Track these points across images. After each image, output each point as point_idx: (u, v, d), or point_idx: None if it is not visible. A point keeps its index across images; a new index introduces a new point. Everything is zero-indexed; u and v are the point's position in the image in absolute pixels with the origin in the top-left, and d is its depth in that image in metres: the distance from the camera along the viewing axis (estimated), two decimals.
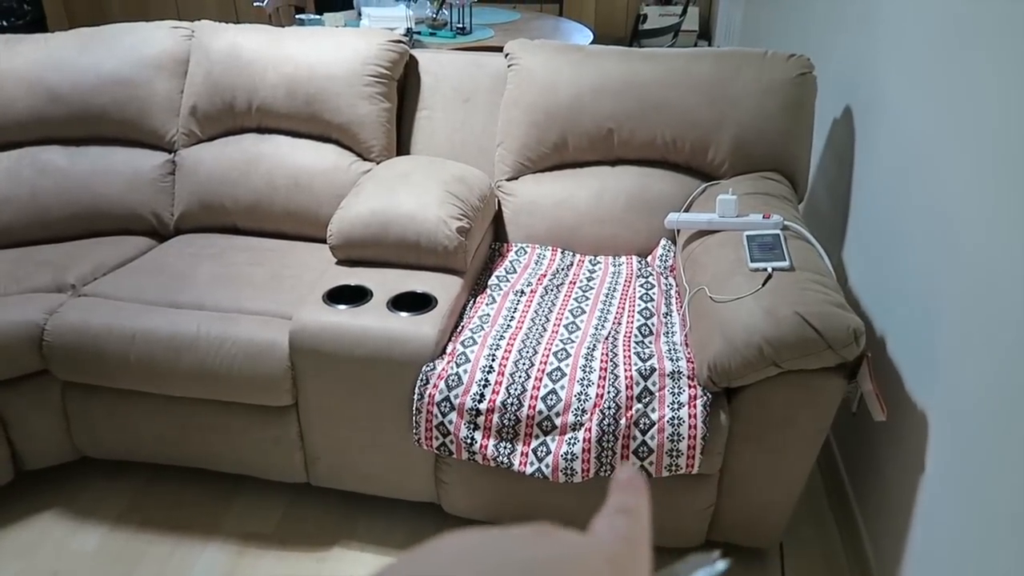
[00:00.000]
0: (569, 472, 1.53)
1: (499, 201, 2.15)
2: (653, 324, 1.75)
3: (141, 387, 1.74)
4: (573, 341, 1.70)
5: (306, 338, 1.65)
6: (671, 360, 1.60)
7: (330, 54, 2.15)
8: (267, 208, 2.14)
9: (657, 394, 1.55)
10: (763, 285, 1.53)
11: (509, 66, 2.20)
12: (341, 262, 1.90)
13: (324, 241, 2.12)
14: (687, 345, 1.65)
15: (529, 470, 1.57)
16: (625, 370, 1.57)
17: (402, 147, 2.25)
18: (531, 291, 1.90)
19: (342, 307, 1.70)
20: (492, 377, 1.59)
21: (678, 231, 1.99)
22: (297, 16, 3.42)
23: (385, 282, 1.79)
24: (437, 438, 1.62)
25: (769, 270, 1.57)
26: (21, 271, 1.92)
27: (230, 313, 1.76)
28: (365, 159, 2.17)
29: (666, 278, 1.94)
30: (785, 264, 1.58)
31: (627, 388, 1.54)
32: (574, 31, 3.49)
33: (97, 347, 1.71)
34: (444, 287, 1.79)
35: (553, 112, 2.09)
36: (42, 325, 1.74)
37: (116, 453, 1.88)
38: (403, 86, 2.26)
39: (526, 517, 1.71)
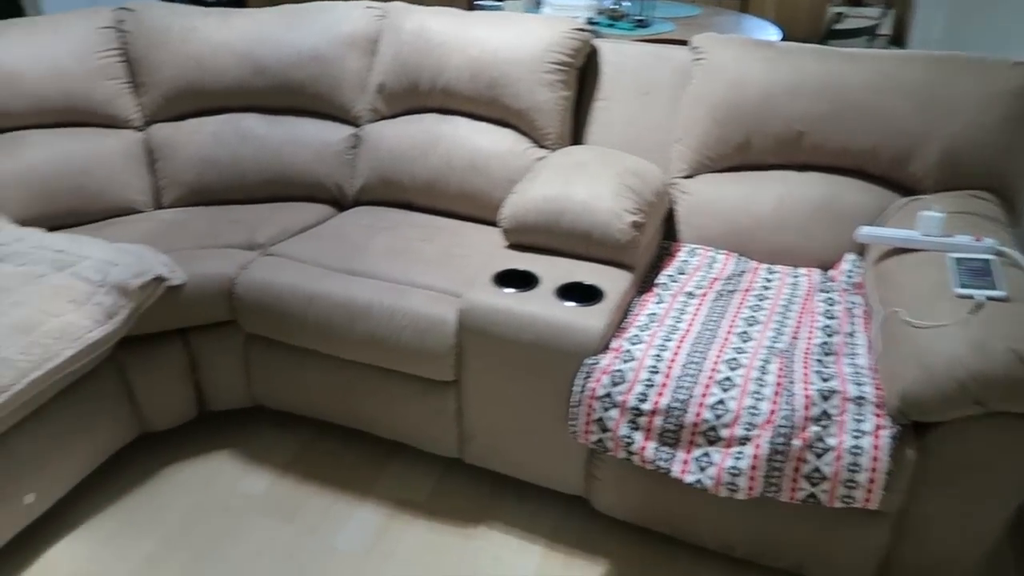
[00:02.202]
0: (732, 487, 1.47)
1: (672, 198, 2.09)
2: (835, 343, 1.64)
3: (315, 346, 1.83)
4: (746, 351, 1.62)
5: (474, 318, 1.68)
6: (855, 384, 1.49)
7: (515, 39, 2.17)
8: (442, 187, 2.19)
9: (836, 418, 1.44)
10: (972, 314, 1.39)
11: (695, 60, 2.13)
12: (511, 246, 1.91)
13: (494, 224, 2.15)
14: (875, 370, 1.53)
15: (689, 479, 1.51)
16: (803, 388, 1.48)
17: (577, 136, 2.23)
18: (702, 294, 1.83)
19: (511, 291, 1.71)
20: (657, 378, 1.55)
21: (868, 246, 1.85)
22: (476, 2, 3.47)
23: (553, 270, 1.78)
24: (594, 433, 1.60)
25: (980, 298, 1.42)
26: (218, 228, 2.08)
27: (402, 285, 1.82)
28: (540, 145, 2.17)
29: (851, 295, 1.81)
30: (999, 293, 1.43)
31: (804, 408, 1.45)
32: (758, 28, 3.34)
33: (280, 304, 1.81)
34: (612, 281, 1.76)
35: (739, 110, 2.00)
36: (233, 279, 1.87)
37: (287, 405, 2.00)
38: (583, 75, 2.24)
39: (679, 525, 1.66)
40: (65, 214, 2.13)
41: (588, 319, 1.63)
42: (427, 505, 1.88)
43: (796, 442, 1.43)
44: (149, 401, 1.91)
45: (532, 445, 1.74)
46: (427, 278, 1.84)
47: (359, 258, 1.91)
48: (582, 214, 1.80)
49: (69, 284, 1.71)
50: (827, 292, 1.82)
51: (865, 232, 1.73)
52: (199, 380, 1.97)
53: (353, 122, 2.33)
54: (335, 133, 2.32)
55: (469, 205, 2.18)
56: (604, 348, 1.63)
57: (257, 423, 2.14)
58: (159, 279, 1.78)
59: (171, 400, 1.94)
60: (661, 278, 1.89)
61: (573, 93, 2.18)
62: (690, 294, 1.83)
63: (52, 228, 2.08)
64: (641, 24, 3.24)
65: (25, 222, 2.05)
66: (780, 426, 1.44)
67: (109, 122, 2.25)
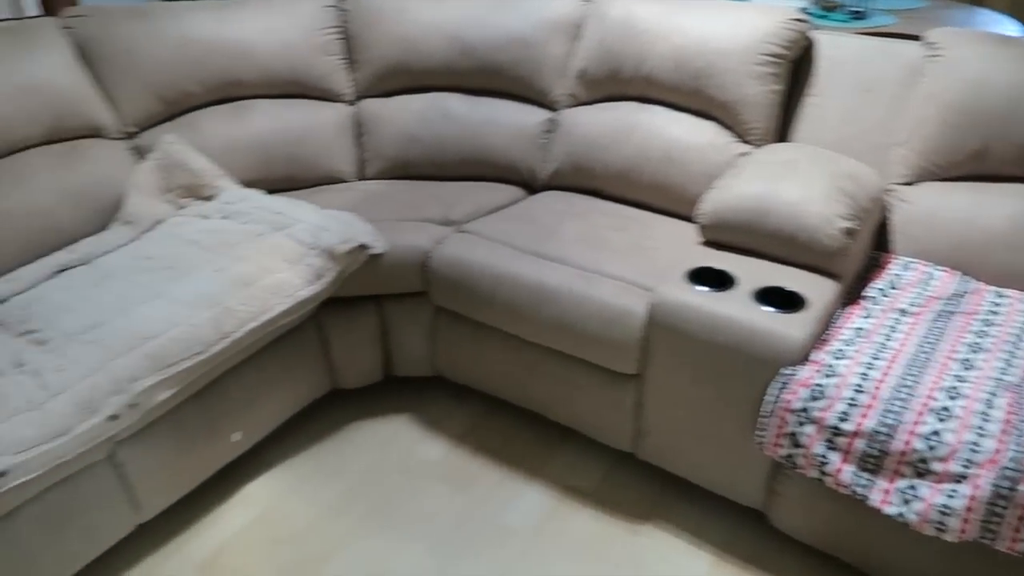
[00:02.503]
0: (941, 527, 1.33)
1: (887, 206, 1.93)
2: None
3: (500, 325, 1.86)
4: (968, 381, 1.46)
5: (665, 313, 1.63)
6: None
7: (726, 28, 2.07)
8: (635, 177, 2.15)
9: None
10: None
11: (928, 56, 1.94)
12: (706, 243, 1.84)
13: (687, 219, 2.08)
14: None
15: (890, 511, 1.39)
16: None
17: (784, 133, 2.11)
18: (917, 313, 1.67)
19: (704, 289, 1.64)
20: (862, 398, 1.44)
21: None
22: None
23: (751, 272, 1.70)
24: (784, 447, 1.51)
25: None
26: (417, 202, 2.16)
27: (591, 273, 1.80)
28: (743, 140, 2.08)
29: None
30: None
31: None
32: (994, 22, 3.00)
33: (470, 281, 1.86)
34: (816, 289, 1.65)
35: (979, 114, 1.80)
36: (428, 252, 1.94)
37: (466, 379, 2.05)
38: (795, 68, 2.11)
39: (868, 557, 1.54)
40: (281, 179, 2.30)
41: (788, 327, 1.54)
42: (595, 494, 1.87)
43: (1022, 487, 1.28)
44: (343, 360, 2.03)
45: (711, 450, 1.68)
46: (617, 268, 1.82)
47: (549, 242, 1.92)
48: (789, 216, 1.69)
49: (285, 244, 1.84)
50: None
51: None
52: (388, 346, 2.08)
53: (550, 106, 2.35)
54: (532, 116, 2.34)
55: (661, 197, 2.13)
56: (804, 359, 1.53)
57: (435, 392, 2.22)
58: (363, 247, 1.88)
59: (362, 361, 2.06)
60: (870, 291, 1.75)
61: (784, 87, 2.06)
62: (903, 311, 1.68)
63: (270, 191, 2.25)
64: (858, 16, 3.01)
65: (247, 184, 2.24)
66: (1007, 468, 1.29)
67: (325, 95, 2.40)
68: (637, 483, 1.90)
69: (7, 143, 1.91)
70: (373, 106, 2.41)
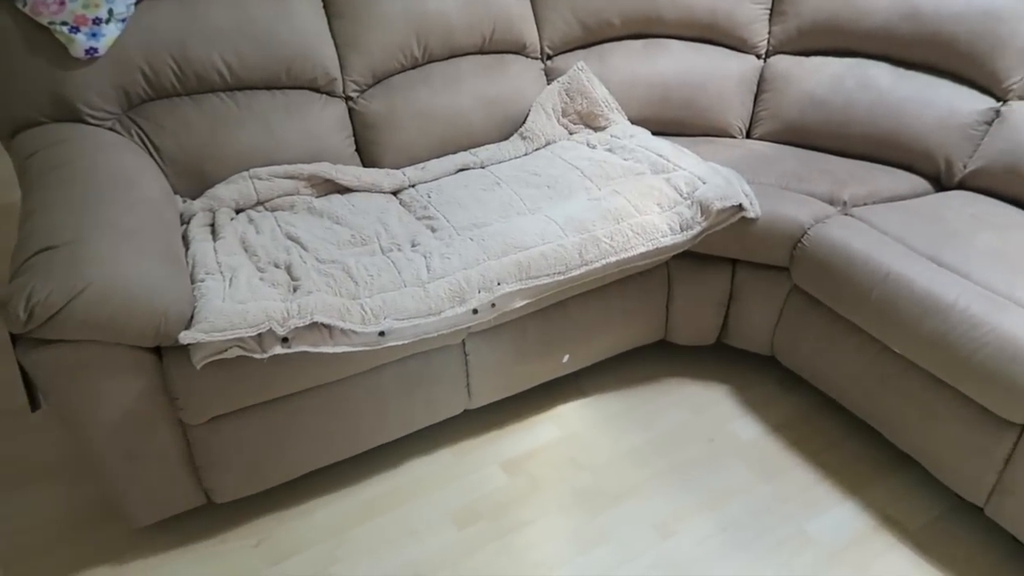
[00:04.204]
0: None
1: None
2: None
3: (868, 326, 1.67)
4: None
5: None
6: None
7: None
8: None
9: None
10: None
11: None
12: None
13: None
14: None
15: None
16: None
17: None
18: None
19: None
20: None
21: None
22: None
23: None
24: None
25: None
26: (805, 173, 2.00)
27: (999, 297, 1.52)
28: None
29: None
30: None
31: None
32: None
33: (846, 270, 1.68)
34: None
35: None
36: (806, 228, 1.80)
37: (802, 369, 1.90)
38: None
39: None
40: (671, 122, 2.29)
41: None
42: (917, 535, 1.63)
43: None
44: (682, 314, 2.00)
45: None
46: None
47: (953, 250, 1.65)
48: None
49: (662, 188, 1.84)
50: None
51: None
52: (729, 312, 2.00)
53: (1000, 95, 1.97)
54: (971, 103, 1.99)
55: None
56: None
57: (763, 373, 2.10)
58: (739, 207, 1.80)
59: (700, 320, 2.01)
60: None
61: None
62: None
63: (656, 133, 2.26)
64: None
65: (637, 120, 2.27)
66: None
67: (738, 45, 2.31)
68: (973, 541, 1.61)
69: (450, 48, 2.16)
70: (785, 63, 2.26)
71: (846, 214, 1.84)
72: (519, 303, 1.68)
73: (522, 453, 1.86)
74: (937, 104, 2.02)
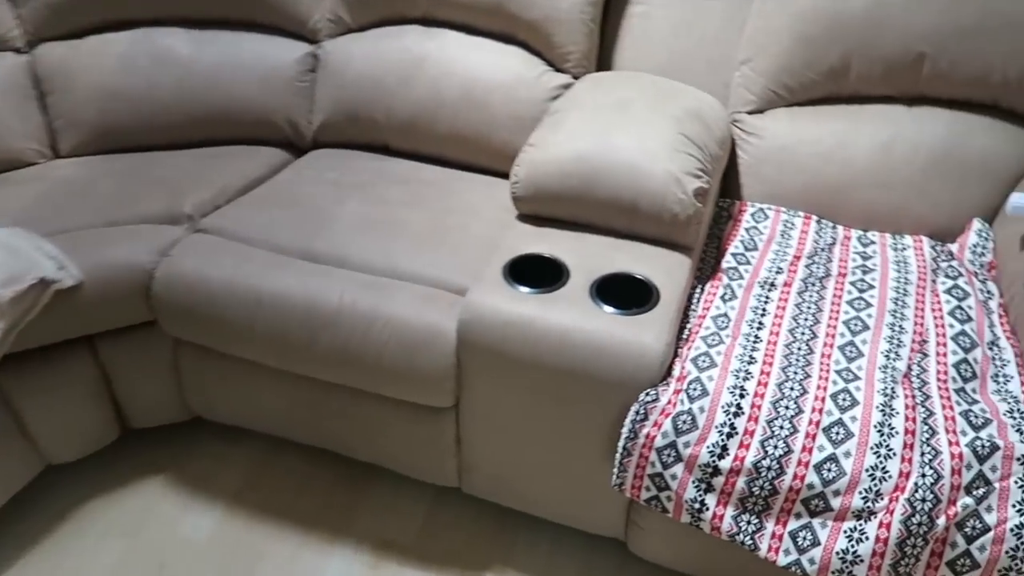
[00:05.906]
0: None
1: (735, 141, 1.59)
2: (976, 360, 1.20)
3: (266, 361, 1.36)
4: (856, 376, 1.17)
5: (481, 332, 1.21)
6: (1017, 430, 1.06)
7: None
8: (427, 126, 1.67)
9: (997, 485, 1.03)
10: None
11: None
12: (524, 217, 1.42)
13: (496, 174, 1.65)
14: None
15: (783, 560, 1.10)
16: (950, 442, 1.05)
17: (604, 56, 1.70)
18: (784, 283, 1.36)
19: (529, 291, 1.24)
20: (740, 423, 1.11)
21: (1002, 212, 1.38)
22: None
23: (585, 255, 1.31)
24: (649, 489, 1.17)
25: None
26: (132, 189, 1.56)
27: (381, 277, 1.34)
28: (558, 69, 1.65)
29: (983, 281, 1.35)
30: None
31: (953, 473, 1.03)
32: None
33: (212, 308, 1.33)
34: (667, 271, 1.29)
35: (838, 23, 1.47)
36: (151, 270, 1.38)
37: (232, 420, 1.55)
38: None
39: None
40: None
41: (641, 334, 1.17)
42: (418, 546, 1.46)
43: (941, 520, 1.02)
44: (47, 430, 1.43)
45: (557, 483, 1.33)
46: (415, 263, 1.36)
47: (324, 234, 1.42)
48: (628, 179, 1.30)
49: None
50: (951, 278, 1.36)
51: (1019, 202, 1.26)
52: (115, 395, 1.50)
53: (309, 37, 1.77)
54: (286, 52, 1.76)
55: (462, 149, 1.67)
56: (665, 375, 1.18)
57: (197, 437, 1.67)
58: (44, 282, 1.28)
59: (79, 424, 1.47)
60: (728, 260, 1.42)
61: None
62: (769, 284, 1.36)
63: None
64: None
65: None
66: (918, 497, 1.02)
67: None
68: (466, 521, 1.51)
69: None
70: (57, 52, 1.71)
71: (197, 230, 1.47)
72: None
73: None
74: (253, 63, 1.74)
